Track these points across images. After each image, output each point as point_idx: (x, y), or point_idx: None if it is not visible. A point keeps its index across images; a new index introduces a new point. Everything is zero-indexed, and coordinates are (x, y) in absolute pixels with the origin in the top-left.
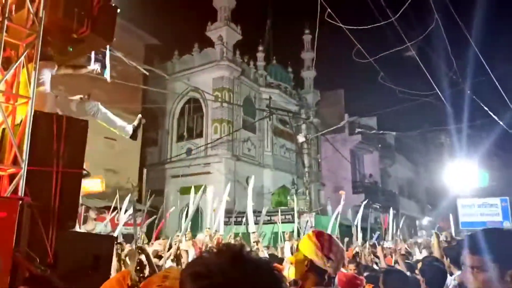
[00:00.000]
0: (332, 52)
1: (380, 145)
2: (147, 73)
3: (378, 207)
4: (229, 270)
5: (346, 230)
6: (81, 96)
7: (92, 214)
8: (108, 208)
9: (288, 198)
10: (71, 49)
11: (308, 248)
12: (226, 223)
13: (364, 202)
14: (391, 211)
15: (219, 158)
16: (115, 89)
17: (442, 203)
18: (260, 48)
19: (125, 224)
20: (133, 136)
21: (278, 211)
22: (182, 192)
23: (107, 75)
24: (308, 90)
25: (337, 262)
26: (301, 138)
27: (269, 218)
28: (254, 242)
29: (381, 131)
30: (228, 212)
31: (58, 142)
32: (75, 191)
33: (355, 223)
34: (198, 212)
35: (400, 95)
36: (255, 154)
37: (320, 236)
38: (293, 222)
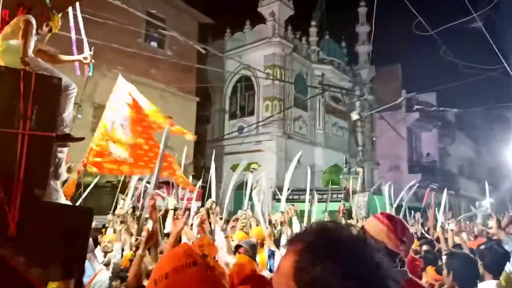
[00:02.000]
0: (389, 25)
1: (440, 123)
2: (203, 51)
3: (435, 187)
4: (331, 247)
5: (399, 210)
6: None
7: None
8: (166, 183)
9: (340, 177)
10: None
11: (379, 231)
12: (277, 200)
13: (413, 182)
14: (445, 192)
15: (270, 136)
16: (171, 69)
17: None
18: (313, 23)
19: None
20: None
21: (328, 190)
22: (234, 169)
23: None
24: (363, 66)
25: (409, 245)
26: (354, 116)
27: (320, 196)
28: (279, 221)
29: (442, 108)
30: (279, 190)
31: (25, 101)
32: (45, 156)
33: (404, 203)
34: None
35: (463, 70)
36: (306, 132)
37: (391, 218)
38: (346, 201)
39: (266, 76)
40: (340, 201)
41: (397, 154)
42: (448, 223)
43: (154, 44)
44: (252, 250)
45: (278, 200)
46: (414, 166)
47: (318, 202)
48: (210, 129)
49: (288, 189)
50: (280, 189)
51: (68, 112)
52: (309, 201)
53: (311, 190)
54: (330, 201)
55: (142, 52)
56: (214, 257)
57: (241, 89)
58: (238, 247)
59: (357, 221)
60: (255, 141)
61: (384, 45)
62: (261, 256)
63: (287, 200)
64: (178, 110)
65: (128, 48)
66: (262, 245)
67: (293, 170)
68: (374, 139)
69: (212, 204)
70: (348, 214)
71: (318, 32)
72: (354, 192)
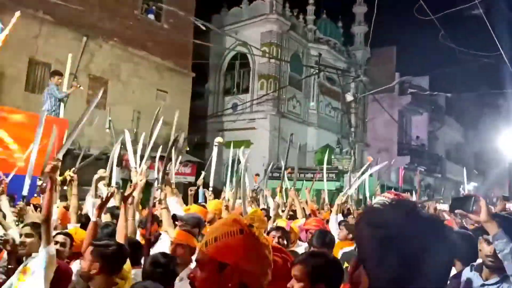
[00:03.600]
0: (387, 7)
1: (433, 107)
2: (202, 27)
3: (423, 170)
4: (404, 223)
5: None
6: None
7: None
8: (161, 158)
9: (332, 157)
10: None
11: None
12: (270, 178)
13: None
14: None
15: (264, 114)
16: (167, 43)
17: (492, 169)
18: (310, 1)
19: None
20: None
21: (318, 169)
22: (227, 146)
23: None
24: (358, 47)
25: None
26: (349, 97)
27: (311, 175)
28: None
29: (435, 92)
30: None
31: None
32: None
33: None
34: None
35: (459, 56)
36: (300, 111)
37: (398, 195)
38: (337, 180)
39: (262, 54)
40: (332, 181)
41: (388, 137)
42: (441, 203)
43: (151, 16)
44: (193, 225)
45: (271, 178)
46: (403, 149)
47: (308, 181)
48: (205, 105)
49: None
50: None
51: None
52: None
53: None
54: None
55: (138, 25)
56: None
57: (236, 65)
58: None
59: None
60: (249, 118)
61: (380, 27)
62: None
63: (275, 178)
64: (174, 85)
65: (125, 19)
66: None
67: (284, 148)
68: (366, 120)
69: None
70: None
71: (315, 11)
72: (345, 172)
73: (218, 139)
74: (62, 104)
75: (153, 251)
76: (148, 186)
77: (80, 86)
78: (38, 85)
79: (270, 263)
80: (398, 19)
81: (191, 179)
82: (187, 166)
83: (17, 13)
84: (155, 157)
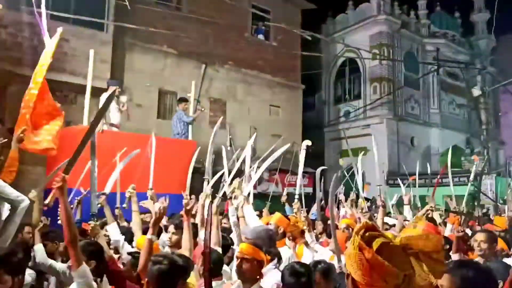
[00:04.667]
0: None
1: None
2: (309, 38)
3: None
4: None
5: None
6: None
7: (264, 175)
8: (279, 170)
9: (462, 159)
10: None
11: None
12: (391, 185)
13: None
14: None
15: (380, 119)
16: (277, 59)
17: None
18: None
19: (289, 184)
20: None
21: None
22: (342, 155)
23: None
24: (481, 36)
25: None
26: (476, 92)
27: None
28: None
29: None
30: (392, 174)
31: None
32: None
33: None
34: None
35: None
36: (419, 112)
37: None
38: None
39: (372, 57)
40: (463, 185)
41: None
42: None
43: (261, 36)
44: (268, 239)
45: (392, 186)
46: None
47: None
48: (317, 115)
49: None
50: (392, 173)
51: None
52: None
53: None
54: (454, 185)
55: (249, 46)
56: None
57: (346, 72)
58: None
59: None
60: (363, 125)
61: (504, 10)
62: (299, 248)
63: (394, 186)
64: (285, 99)
65: (237, 43)
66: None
67: (405, 153)
68: (499, 114)
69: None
70: (472, 199)
71: (427, 4)
72: (478, 175)
73: (306, 142)
74: (190, 127)
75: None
76: (263, 197)
77: (204, 109)
78: (167, 112)
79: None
80: None
81: (309, 190)
82: (304, 178)
83: (60, 29)
84: (274, 170)
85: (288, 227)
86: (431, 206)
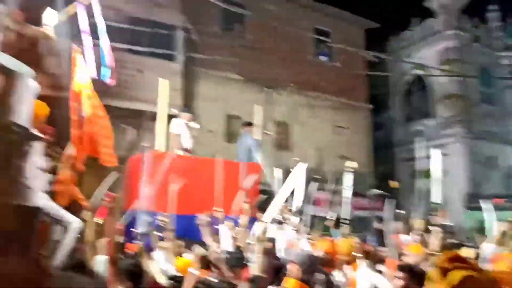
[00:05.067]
0: None
1: None
2: (374, 59)
3: None
4: None
5: None
6: None
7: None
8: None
9: None
10: None
11: None
12: (470, 208)
13: None
14: None
15: (454, 138)
16: (340, 79)
17: None
18: (491, 7)
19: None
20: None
21: None
22: (419, 175)
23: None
24: None
25: None
26: None
27: None
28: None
29: None
30: (471, 196)
31: None
32: None
33: None
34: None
35: None
36: (498, 130)
37: None
38: None
39: (442, 73)
40: None
41: None
42: None
43: (323, 58)
44: (309, 267)
45: (473, 209)
46: None
47: None
48: (387, 135)
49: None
50: (472, 195)
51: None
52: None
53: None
54: None
55: (311, 68)
56: None
57: (414, 89)
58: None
59: None
60: (435, 144)
61: None
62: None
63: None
64: (351, 119)
65: (299, 66)
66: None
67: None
68: None
69: None
70: None
71: (501, 16)
72: None
73: (349, 163)
74: (255, 150)
75: None
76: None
77: (269, 133)
78: (233, 136)
79: None
80: None
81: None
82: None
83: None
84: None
85: (334, 252)
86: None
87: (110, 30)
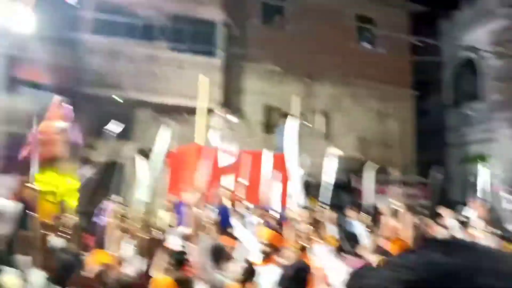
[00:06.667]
0: None
1: None
2: (419, 43)
3: None
4: None
5: None
6: None
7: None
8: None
9: None
10: None
11: None
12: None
13: None
14: None
15: (507, 122)
16: (385, 66)
17: None
18: None
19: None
20: None
21: None
22: (462, 162)
23: None
24: None
25: None
26: None
27: None
28: None
29: None
30: None
31: None
32: None
33: None
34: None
35: None
36: None
37: None
38: None
39: (494, 55)
40: None
41: None
42: None
43: (366, 44)
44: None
45: None
46: None
47: None
48: (433, 121)
49: None
50: None
51: None
52: None
53: None
54: None
55: (354, 56)
56: None
57: (463, 73)
58: None
59: None
60: (485, 129)
61: None
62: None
63: None
64: (395, 106)
65: (342, 55)
66: None
67: None
68: None
69: None
70: None
71: None
72: None
73: (333, 149)
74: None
75: None
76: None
77: (308, 123)
78: (272, 127)
79: None
80: None
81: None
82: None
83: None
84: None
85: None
86: None
87: (152, 29)
